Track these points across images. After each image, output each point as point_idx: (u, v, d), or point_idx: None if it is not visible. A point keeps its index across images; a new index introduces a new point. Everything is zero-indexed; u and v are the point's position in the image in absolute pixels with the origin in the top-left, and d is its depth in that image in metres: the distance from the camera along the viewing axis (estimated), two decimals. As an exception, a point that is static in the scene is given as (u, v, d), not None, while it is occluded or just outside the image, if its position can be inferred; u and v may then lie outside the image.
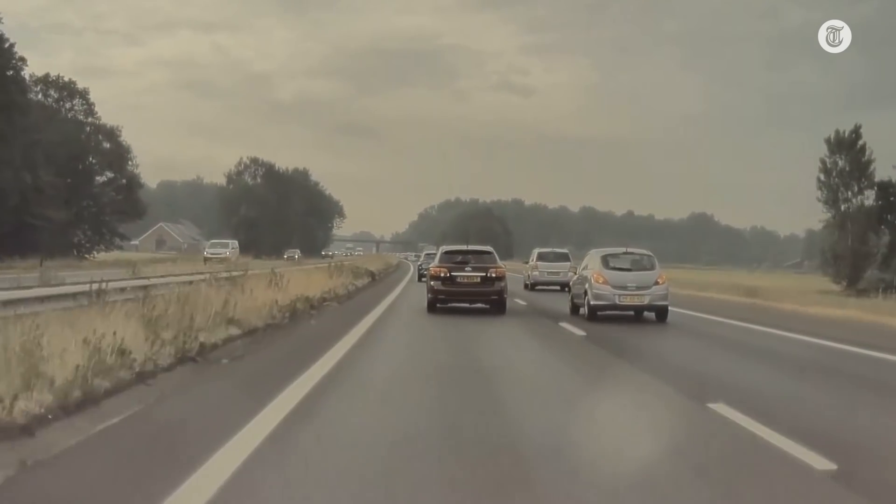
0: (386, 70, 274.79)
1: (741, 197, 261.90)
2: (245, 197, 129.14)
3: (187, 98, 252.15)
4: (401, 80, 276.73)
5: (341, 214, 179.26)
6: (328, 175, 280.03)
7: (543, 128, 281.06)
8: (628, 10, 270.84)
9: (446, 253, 21.89)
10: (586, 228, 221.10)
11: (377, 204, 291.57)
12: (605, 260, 19.90)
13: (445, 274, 20.71)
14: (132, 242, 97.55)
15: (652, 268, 19.65)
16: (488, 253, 21.75)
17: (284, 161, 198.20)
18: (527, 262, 38.02)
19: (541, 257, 36.55)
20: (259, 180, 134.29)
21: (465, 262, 21.08)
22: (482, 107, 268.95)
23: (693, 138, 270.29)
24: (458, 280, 20.71)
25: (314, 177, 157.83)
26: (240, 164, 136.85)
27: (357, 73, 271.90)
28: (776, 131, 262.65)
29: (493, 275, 20.66)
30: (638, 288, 19.20)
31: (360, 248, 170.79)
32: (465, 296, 20.67)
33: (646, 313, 19.42)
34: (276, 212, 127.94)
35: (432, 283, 20.65)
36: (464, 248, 22.73)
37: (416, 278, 42.99)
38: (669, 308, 18.98)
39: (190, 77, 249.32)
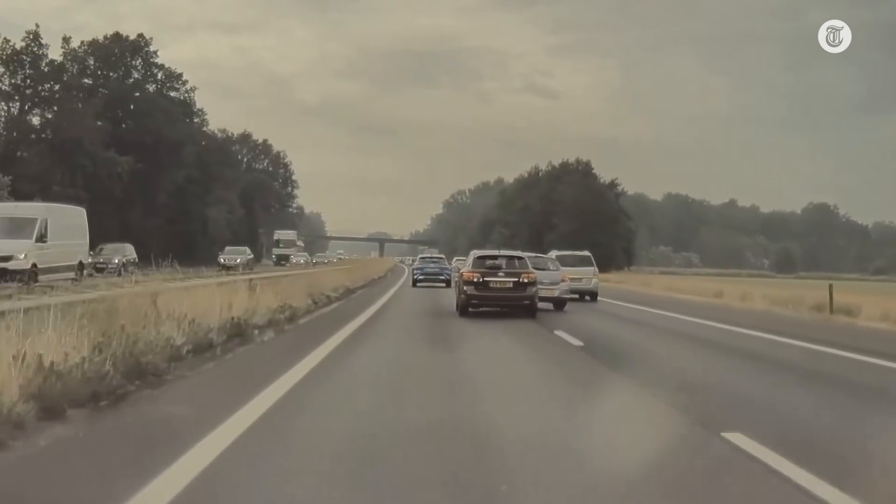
0: (407, 71, 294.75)
1: (862, 187, 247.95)
2: None
3: (209, 99, 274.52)
4: (423, 81, 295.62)
5: (289, 183, 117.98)
6: (344, 176, 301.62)
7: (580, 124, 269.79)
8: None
9: (479, 258, 24.10)
10: (679, 219, 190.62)
11: (400, 204, 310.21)
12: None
13: (478, 279, 22.53)
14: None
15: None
16: (520, 258, 24.23)
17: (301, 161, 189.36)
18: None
19: (559, 261, 33.59)
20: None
21: (498, 268, 23.09)
22: (507, 107, 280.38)
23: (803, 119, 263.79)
24: (491, 285, 22.52)
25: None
26: None
27: (379, 74, 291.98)
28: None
29: (525, 280, 22.63)
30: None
31: (302, 253, 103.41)
32: (497, 300, 22.90)
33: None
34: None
35: (465, 287, 22.84)
36: (496, 253, 26.17)
37: (412, 283, 45.04)
38: None
39: (211, 78, 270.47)
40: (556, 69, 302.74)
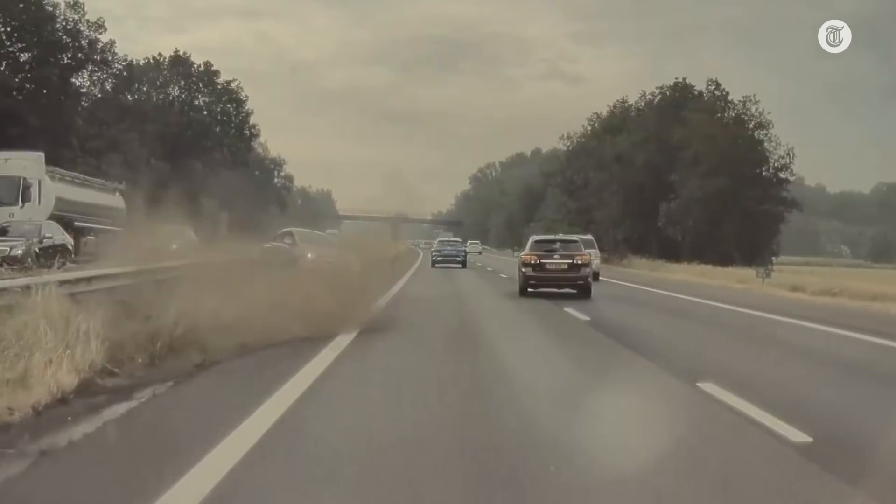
0: (430, 57, 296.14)
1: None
2: None
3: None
4: (446, 67, 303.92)
5: (245, 128, 75.99)
6: (364, 160, 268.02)
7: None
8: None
9: (536, 242, 26.51)
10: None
11: (421, 186, 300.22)
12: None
13: (536, 261, 24.89)
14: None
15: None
16: (574, 242, 26.68)
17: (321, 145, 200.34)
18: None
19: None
20: None
21: (554, 251, 25.29)
22: (531, 93, 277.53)
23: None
24: (547, 266, 24.69)
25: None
26: None
27: (402, 60, 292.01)
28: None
29: (579, 262, 24.83)
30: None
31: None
32: (554, 281, 25.10)
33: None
34: None
35: (523, 269, 25.37)
36: (552, 237, 28.62)
37: (430, 264, 51.93)
38: None
39: (233, 64, 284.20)
40: (580, 55, 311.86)
